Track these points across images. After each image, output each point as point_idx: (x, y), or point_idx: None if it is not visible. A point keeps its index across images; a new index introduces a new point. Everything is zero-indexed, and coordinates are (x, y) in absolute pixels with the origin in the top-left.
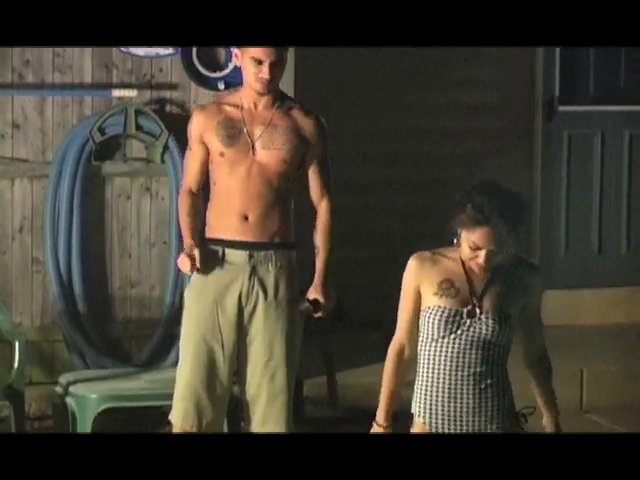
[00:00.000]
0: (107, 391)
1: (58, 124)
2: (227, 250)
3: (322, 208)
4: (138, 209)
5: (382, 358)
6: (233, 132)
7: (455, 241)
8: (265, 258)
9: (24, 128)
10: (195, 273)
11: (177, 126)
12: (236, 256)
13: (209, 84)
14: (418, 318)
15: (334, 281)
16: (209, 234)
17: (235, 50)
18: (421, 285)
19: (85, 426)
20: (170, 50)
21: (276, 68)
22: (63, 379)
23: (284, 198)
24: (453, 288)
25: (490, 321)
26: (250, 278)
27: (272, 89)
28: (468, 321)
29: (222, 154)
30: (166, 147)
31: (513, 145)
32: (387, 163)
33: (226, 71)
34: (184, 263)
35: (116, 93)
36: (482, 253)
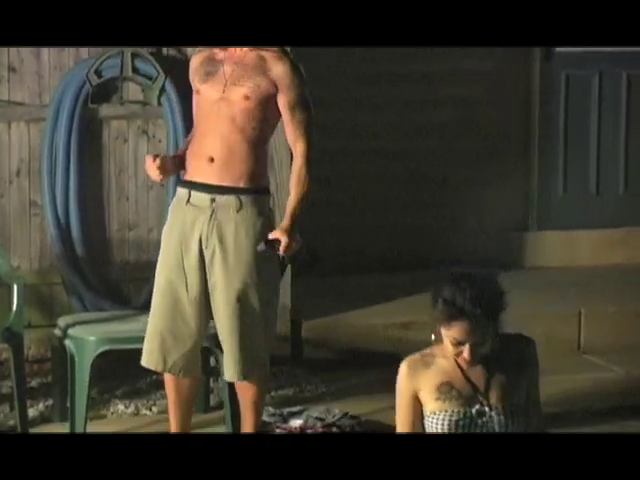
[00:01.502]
0: (105, 333)
1: (55, 67)
2: (192, 193)
3: (296, 152)
4: (135, 152)
5: (375, 301)
6: (212, 70)
7: (433, 338)
8: (227, 202)
9: (20, 71)
10: (169, 215)
11: (174, 69)
12: (199, 199)
13: None
14: (420, 424)
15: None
16: (183, 177)
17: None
18: (419, 391)
19: (84, 368)
20: None
21: None
22: (62, 322)
23: (252, 141)
24: (454, 389)
25: (502, 417)
26: (210, 222)
27: None
28: (479, 421)
29: (198, 91)
30: (163, 89)
31: (510, 86)
32: (368, 106)
33: None
34: (149, 163)
35: None
36: (466, 348)
